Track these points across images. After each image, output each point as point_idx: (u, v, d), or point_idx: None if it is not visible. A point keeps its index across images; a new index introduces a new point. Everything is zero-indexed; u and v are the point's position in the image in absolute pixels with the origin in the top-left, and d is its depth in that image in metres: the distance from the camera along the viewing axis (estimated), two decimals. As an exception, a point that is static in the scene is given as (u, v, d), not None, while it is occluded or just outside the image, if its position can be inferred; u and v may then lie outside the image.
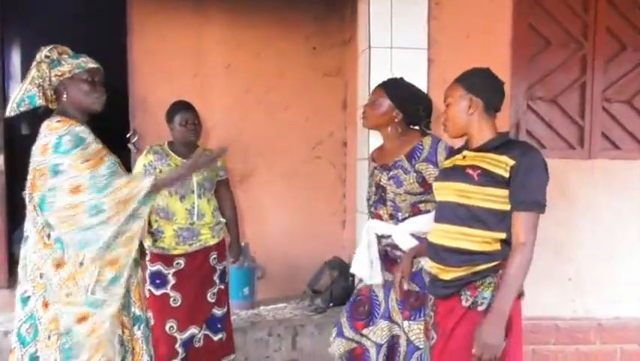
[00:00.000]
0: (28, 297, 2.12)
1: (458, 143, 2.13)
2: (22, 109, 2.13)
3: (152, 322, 2.92)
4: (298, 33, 4.35)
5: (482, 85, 1.97)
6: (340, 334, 2.57)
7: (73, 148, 2.04)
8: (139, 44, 4.14)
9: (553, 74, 3.47)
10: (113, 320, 2.13)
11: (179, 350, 2.99)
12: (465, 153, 2.01)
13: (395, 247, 2.44)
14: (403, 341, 2.40)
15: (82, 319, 2.09)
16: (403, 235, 2.40)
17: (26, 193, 2.15)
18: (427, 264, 2.17)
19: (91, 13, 4.44)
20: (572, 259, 3.46)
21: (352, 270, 2.58)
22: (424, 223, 2.30)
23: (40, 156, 2.08)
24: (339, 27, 4.37)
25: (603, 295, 3.51)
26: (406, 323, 2.38)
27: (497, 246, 1.89)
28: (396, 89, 2.46)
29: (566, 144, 3.51)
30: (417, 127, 2.48)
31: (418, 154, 2.38)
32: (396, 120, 2.43)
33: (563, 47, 3.48)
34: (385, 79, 2.56)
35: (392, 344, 2.45)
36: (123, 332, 2.21)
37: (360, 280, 2.64)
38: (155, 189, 2.17)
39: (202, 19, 4.19)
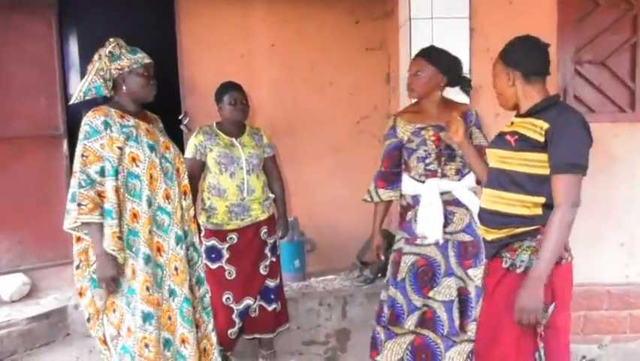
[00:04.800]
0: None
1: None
2: (87, 97, 2.39)
3: (210, 294, 3.08)
4: (341, 7, 4.37)
5: (517, 55, 1.98)
6: (390, 336, 2.67)
7: (84, 138, 2.32)
8: (187, 27, 4.25)
9: (601, 36, 3.38)
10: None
11: (236, 319, 3.14)
12: (513, 119, 2.04)
13: (451, 202, 2.56)
14: (472, 289, 2.59)
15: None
16: (464, 189, 2.58)
17: None
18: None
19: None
20: (625, 223, 3.40)
21: (419, 231, 2.58)
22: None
23: None
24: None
25: (657, 261, 3.45)
26: (470, 271, 2.58)
27: (538, 210, 1.91)
28: (436, 54, 2.60)
29: (617, 107, 3.42)
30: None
31: (471, 118, 2.63)
32: (442, 84, 2.58)
33: (612, 8, 3.37)
34: (420, 48, 2.69)
35: (462, 296, 2.58)
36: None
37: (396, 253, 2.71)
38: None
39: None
